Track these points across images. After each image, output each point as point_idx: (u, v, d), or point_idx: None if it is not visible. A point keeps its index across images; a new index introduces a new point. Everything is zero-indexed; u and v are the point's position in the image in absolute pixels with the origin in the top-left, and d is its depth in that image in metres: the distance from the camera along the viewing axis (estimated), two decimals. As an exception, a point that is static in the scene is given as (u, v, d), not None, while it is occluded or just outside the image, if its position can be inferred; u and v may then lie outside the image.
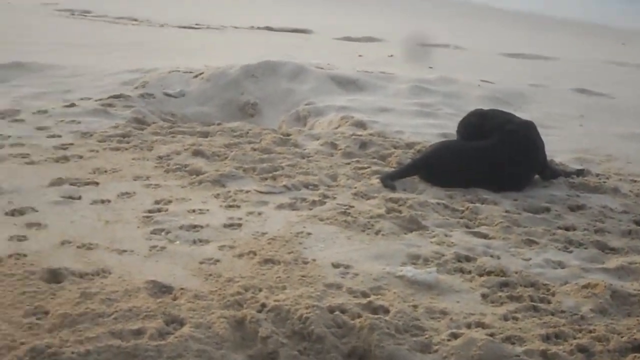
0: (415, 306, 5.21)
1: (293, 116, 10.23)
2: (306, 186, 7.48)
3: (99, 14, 17.76)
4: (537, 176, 8.09)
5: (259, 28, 17.81)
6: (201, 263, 5.69)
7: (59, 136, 8.61)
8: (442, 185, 7.67)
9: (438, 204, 7.21)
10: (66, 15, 17.74)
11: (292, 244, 6.08)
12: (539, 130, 8.14)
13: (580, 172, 8.40)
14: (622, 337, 4.99)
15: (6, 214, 6.52)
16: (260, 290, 5.28)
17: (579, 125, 10.66)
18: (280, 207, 6.91)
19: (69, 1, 19.51)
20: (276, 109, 10.43)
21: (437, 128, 9.63)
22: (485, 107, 8.68)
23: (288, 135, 9.17)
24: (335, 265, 5.75)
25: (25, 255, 5.66)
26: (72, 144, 8.35)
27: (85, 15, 17.71)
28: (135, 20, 17.35)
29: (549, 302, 5.45)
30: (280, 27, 17.90)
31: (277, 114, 10.31)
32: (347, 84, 11.26)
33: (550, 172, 8.20)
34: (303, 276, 5.55)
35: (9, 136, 8.49)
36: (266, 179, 7.61)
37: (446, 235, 6.49)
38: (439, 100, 10.90)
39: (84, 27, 16.65)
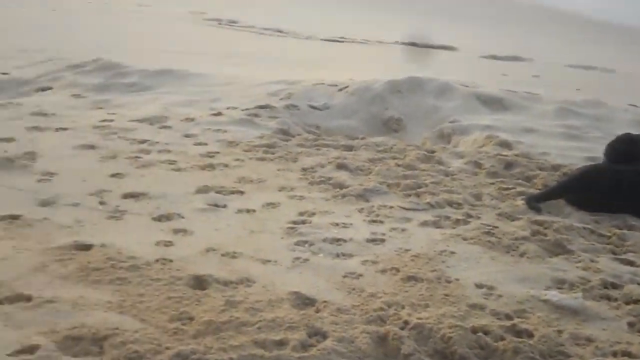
0: (559, 331, 5.10)
1: (437, 133, 10.17)
2: (450, 204, 7.42)
3: (246, 25, 17.99)
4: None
5: (403, 43, 17.80)
6: (344, 277, 5.68)
7: (206, 144, 8.74)
8: (588, 210, 7.51)
9: (584, 228, 7.06)
10: (214, 25, 18.02)
11: (435, 262, 6.03)
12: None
13: None
14: None
15: (153, 219, 6.64)
16: (403, 307, 5.24)
17: None
18: (424, 224, 6.86)
19: (216, 11, 19.81)
20: (420, 125, 10.38)
21: (584, 151, 9.45)
22: (635, 132, 8.47)
23: (432, 152, 9.12)
24: (479, 286, 5.68)
25: (171, 261, 5.76)
26: (218, 153, 8.46)
27: (232, 26, 17.97)
28: (281, 32, 17.51)
29: (700, 336, 5.28)
30: (425, 43, 17.85)
31: (421, 131, 10.26)
32: (492, 102, 11.15)
33: None
34: (446, 295, 5.49)
35: (157, 142, 8.65)
36: (410, 195, 7.58)
37: (592, 261, 6.34)
38: (587, 123, 10.69)
39: (231, 37, 16.88)
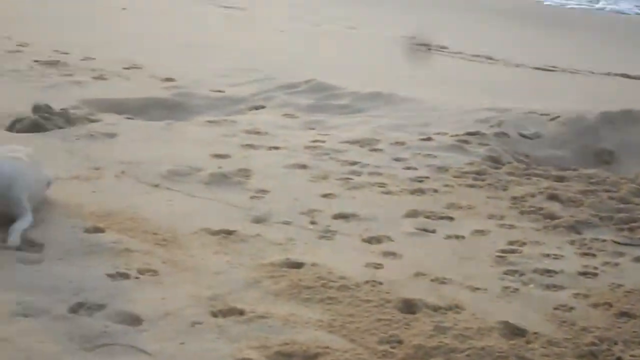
0: None
1: (652, 168, 9.87)
2: (666, 241, 7.20)
3: (455, 51, 17.96)
4: None
5: (615, 74, 17.41)
6: (555, 309, 5.61)
7: (415, 168, 8.76)
8: None
9: None
10: (423, 50, 18.06)
11: (652, 300, 5.87)
12: None
13: None
14: None
15: (363, 240, 6.72)
16: (616, 343, 5.14)
17: None
18: (638, 259, 6.68)
19: (425, 36, 19.89)
20: (634, 158, 10.09)
21: None
22: None
23: (647, 186, 8.87)
24: (697, 326, 5.50)
25: (381, 283, 5.81)
26: (427, 177, 8.47)
27: (442, 51, 17.96)
28: (491, 59, 17.41)
29: None
30: (638, 74, 17.41)
31: (634, 164, 9.97)
32: None
33: None
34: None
35: (368, 164, 8.73)
36: (623, 229, 7.39)
37: None
38: None
39: (440, 62, 16.88)
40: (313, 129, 10.26)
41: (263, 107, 11.45)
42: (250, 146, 9.19)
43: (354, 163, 8.76)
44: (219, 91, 12.02)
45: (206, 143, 9.21)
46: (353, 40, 18.92)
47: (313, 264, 6.07)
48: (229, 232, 6.66)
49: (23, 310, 5.13)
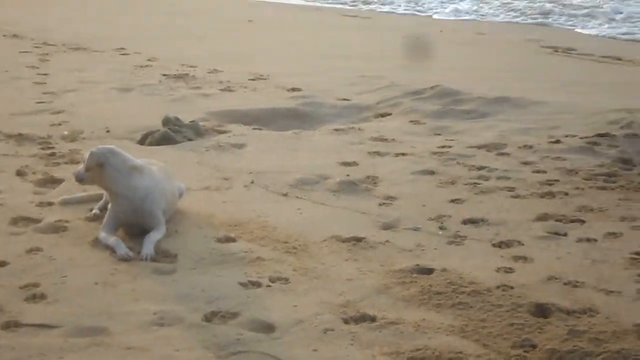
0: None
1: None
2: None
3: (584, 52, 17.68)
4: None
5: None
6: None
7: (544, 172, 8.65)
8: None
9: None
10: (549, 52, 17.84)
11: None
12: None
13: None
14: None
15: (493, 245, 6.67)
16: None
17: None
18: None
19: (553, 39, 19.66)
20: None
21: None
22: None
23: None
24: None
25: (512, 288, 5.77)
26: (557, 180, 8.35)
27: (570, 54, 17.70)
28: (620, 59, 17.08)
29: None
30: None
31: None
32: None
33: None
34: None
35: (496, 169, 8.66)
36: None
37: None
38: None
39: (567, 64, 16.64)
40: (439, 134, 10.23)
41: (389, 114, 11.48)
42: (377, 153, 9.22)
43: (481, 168, 8.70)
44: (345, 99, 12.09)
45: (333, 151, 9.28)
46: (480, 46, 18.81)
47: (443, 270, 6.06)
48: (359, 239, 6.69)
49: (159, 319, 5.26)
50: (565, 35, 21.19)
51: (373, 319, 5.33)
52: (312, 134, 10.22)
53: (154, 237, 6.44)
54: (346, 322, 5.31)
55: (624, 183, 8.32)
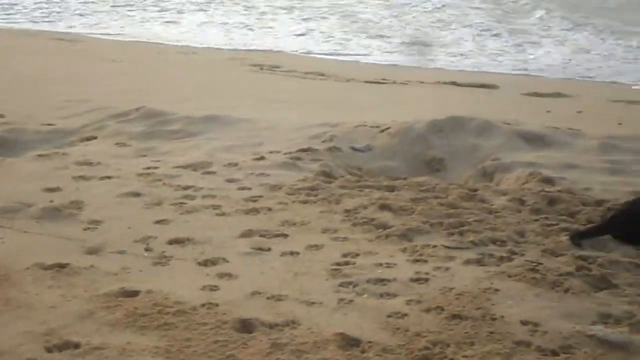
0: (606, 367, 5.11)
1: (479, 172, 10.14)
2: (493, 242, 7.41)
3: (288, 69, 18.11)
4: None
5: (444, 83, 17.82)
6: (389, 317, 5.73)
7: (249, 188, 8.79)
8: (635, 245, 7.44)
9: (630, 262, 7.00)
10: (256, 70, 18.17)
11: (480, 300, 6.05)
12: None
13: None
14: None
15: (199, 263, 6.73)
16: (448, 345, 5.29)
17: None
18: (468, 262, 6.87)
19: (258, 56, 20.04)
20: (462, 164, 10.37)
21: (627, 186, 9.35)
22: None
23: (475, 190, 9.11)
24: (524, 323, 5.70)
25: (217, 305, 5.85)
26: (261, 196, 8.51)
27: (275, 71, 18.09)
28: (323, 75, 17.61)
29: None
30: (467, 82, 17.86)
31: (463, 170, 10.24)
32: (534, 140, 11.09)
33: None
34: (491, 333, 5.52)
35: (202, 188, 8.73)
36: (453, 234, 7.58)
37: (638, 295, 6.31)
38: (630, 158, 10.61)
39: (274, 81, 17.00)
40: (145, 155, 10.19)
41: (95, 137, 11.32)
42: (82, 177, 9.07)
43: (187, 187, 8.73)
44: (50, 124, 11.82)
45: (37, 178, 9.06)
46: (186, 66, 18.91)
47: (148, 291, 6.05)
48: (62, 266, 6.57)
49: None
50: (269, 54, 21.64)
51: (77, 346, 5.26)
52: (15, 162, 9.91)
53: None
54: (49, 350, 5.21)
55: (326, 196, 8.58)
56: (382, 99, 15.53)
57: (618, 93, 17.10)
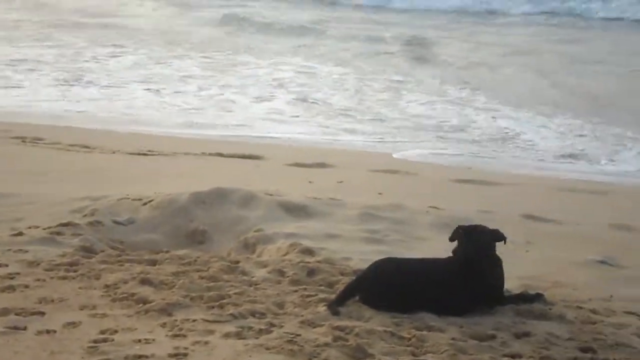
0: None
1: (242, 243, 10.25)
2: (253, 314, 7.49)
3: (52, 142, 17.81)
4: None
5: (210, 154, 17.92)
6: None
7: (6, 265, 8.58)
8: (382, 308, 7.68)
9: (385, 331, 7.23)
10: (17, 143, 17.75)
11: (237, 373, 6.09)
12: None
13: (538, 297, 8.35)
14: None
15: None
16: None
17: (526, 251, 10.72)
18: (227, 335, 6.92)
19: (21, 129, 19.59)
20: (226, 236, 10.46)
21: (383, 254, 9.64)
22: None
23: (236, 262, 9.21)
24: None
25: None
26: (18, 273, 8.32)
27: (37, 143, 17.75)
28: (88, 147, 17.41)
29: None
30: (231, 153, 18.01)
31: (226, 241, 10.33)
32: (296, 210, 11.31)
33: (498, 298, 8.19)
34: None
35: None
36: (213, 307, 7.62)
37: (392, 364, 6.52)
38: (387, 227, 10.96)
39: (37, 154, 16.67)
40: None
41: None
42: None
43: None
44: None
45: None
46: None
47: None
48: None
49: None
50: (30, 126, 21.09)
51: None
52: None
53: None
54: None
55: (85, 271, 8.48)
56: (147, 171, 15.47)
57: (379, 163, 17.61)
